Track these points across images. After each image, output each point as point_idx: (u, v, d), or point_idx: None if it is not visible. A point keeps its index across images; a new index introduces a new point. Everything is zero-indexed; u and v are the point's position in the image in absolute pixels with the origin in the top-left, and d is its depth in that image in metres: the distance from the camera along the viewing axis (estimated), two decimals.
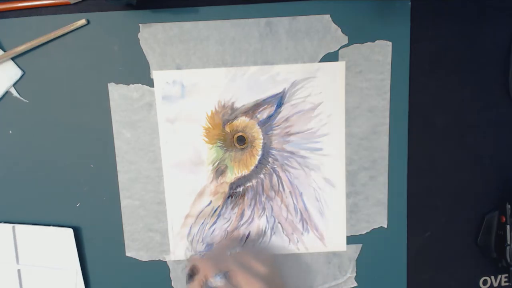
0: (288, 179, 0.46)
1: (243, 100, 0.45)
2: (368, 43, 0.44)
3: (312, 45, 0.44)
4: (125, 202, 0.46)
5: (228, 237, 0.47)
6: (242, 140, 0.46)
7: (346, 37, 0.44)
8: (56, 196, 0.46)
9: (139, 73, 0.44)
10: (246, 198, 0.47)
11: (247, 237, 0.47)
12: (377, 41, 0.44)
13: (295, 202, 0.47)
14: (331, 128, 0.46)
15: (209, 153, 0.46)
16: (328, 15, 0.43)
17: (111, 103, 0.45)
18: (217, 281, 0.39)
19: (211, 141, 0.46)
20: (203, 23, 0.43)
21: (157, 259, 0.47)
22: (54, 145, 0.45)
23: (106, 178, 0.46)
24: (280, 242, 0.47)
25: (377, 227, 0.48)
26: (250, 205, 0.47)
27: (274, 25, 0.43)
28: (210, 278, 0.39)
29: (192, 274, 0.41)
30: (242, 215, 0.47)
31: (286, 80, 0.44)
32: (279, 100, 0.45)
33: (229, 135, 0.46)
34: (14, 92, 0.44)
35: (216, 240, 0.47)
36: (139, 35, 0.43)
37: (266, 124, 0.45)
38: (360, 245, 0.48)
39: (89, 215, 0.46)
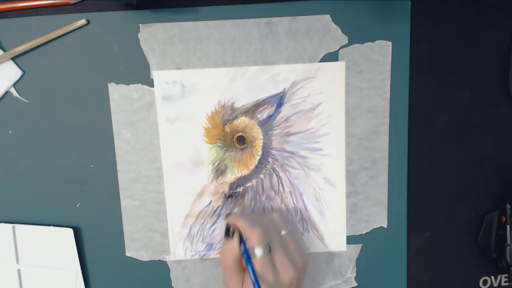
0: (288, 179, 0.46)
1: (243, 100, 0.45)
2: (368, 43, 0.44)
3: (312, 45, 0.44)
4: (125, 202, 0.46)
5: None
6: (242, 140, 0.46)
7: (346, 37, 0.44)
8: (56, 196, 0.46)
9: (139, 73, 0.44)
10: (246, 198, 0.47)
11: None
12: (377, 41, 0.44)
13: (295, 202, 0.47)
14: (331, 128, 0.46)
15: (209, 153, 0.46)
16: (328, 15, 0.43)
17: (111, 103, 0.45)
18: (260, 251, 0.39)
19: (211, 141, 0.46)
20: (203, 23, 0.43)
21: (157, 259, 0.47)
22: (54, 145, 0.45)
23: (106, 178, 0.46)
24: None
25: (377, 227, 0.48)
26: (250, 205, 0.47)
27: (274, 25, 0.43)
28: (254, 245, 0.39)
29: (231, 231, 0.41)
30: None
31: (286, 80, 0.44)
32: (279, 100, 0.45)
33: (229, 135, 0.46)
34: (14, 92, 0.44)
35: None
36: (139, 35, 0.43)
37: (266, 124, 0.45)
38: (360, 245, 0.48)
39: (89, 215, 0.46)
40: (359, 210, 0.47)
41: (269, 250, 0.39)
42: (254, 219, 0.42)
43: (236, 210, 0.47)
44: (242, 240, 0.40)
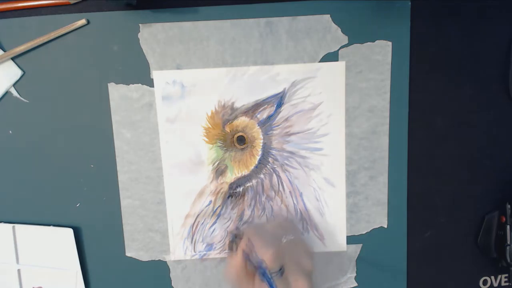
0: (288, 179, 0.46)
1: (243, 100, 0.45)
2: (368, 43, 0.44)
3: (312, 45, 0.44)
4: (125, 202, 0.46)
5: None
6: (242, 140, 0.46)
7: (346, 37, 0.44)
8: (56, 196, 0.46)
9: (139, 73, 0.44)
10: (246, 198, 0.47)
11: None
12: (377, 41, 0.44)
13: (295, 202, 0.47)
14: (331, 128, 0.46)
15: (209, 153, 0.46)
16: (328, 15, 0.43)
17: (111, 103, 0.45)
18: (275, 274, 0.37)
19: (211, 141, 0.46)
20: (203, 23, 0.43)
21: (157, 259, 0.47)
22: (54, 145, 0.45)
23: (106, 178, 0.46)
24: None
25: (377, 227, 0.48)
26: (250, 205, 0.47)
27: (274, 25, 0.43)
28: (269, 269, 0.37)
29: (235, 244, 0.40)
30: (242, 215, 0.47)
31: (286, 80, 0.44)
32: (279, 100, 0.45)
33: (229, 135, 0.46)
34: (14, 92, 0.44)
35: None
36: (139, 35, 0.43)
37: (266, 124, 0.45)
38: (360, 245, 0.48)
39: (89, 215, 0.46)
40: (359, 210, 0.47)
41: (281, 273, 0.38)
42: (268, 235, 0.40)
43: (236, 212, 0.47)
44: (248, 257, 0.39)
